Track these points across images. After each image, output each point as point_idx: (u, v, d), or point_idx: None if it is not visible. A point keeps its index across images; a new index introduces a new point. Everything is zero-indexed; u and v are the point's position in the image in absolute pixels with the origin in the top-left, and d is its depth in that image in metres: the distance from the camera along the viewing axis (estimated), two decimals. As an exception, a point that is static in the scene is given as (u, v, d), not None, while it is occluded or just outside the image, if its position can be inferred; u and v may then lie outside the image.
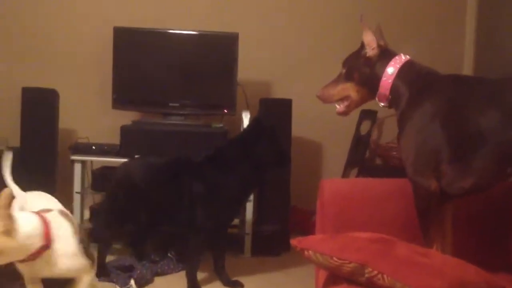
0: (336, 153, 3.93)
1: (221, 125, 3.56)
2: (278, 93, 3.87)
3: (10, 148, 2.64)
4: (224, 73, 3.54)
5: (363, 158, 3.83)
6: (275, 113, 3.36)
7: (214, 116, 3.71)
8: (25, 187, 2.22)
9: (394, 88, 1.75)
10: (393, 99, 1.77)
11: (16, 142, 3.45)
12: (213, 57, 3.58)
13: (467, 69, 3.97)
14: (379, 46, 1.79)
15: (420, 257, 1.51)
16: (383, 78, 1.75)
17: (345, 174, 3.72)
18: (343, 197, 1.94)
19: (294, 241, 1.66)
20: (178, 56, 3.59)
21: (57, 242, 1.80)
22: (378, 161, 4.01)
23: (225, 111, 3.55)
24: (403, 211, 1.87)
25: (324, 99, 1.88)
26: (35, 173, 3.23)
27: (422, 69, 1.77)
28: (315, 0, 4.01)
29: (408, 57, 1.80)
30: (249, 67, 3.72)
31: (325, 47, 3.95)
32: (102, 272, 2.67)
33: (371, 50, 1.79)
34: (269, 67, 3.96)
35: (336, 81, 1.87)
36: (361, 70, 1.81)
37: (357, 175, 3.69)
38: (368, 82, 1.81)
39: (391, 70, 1.74)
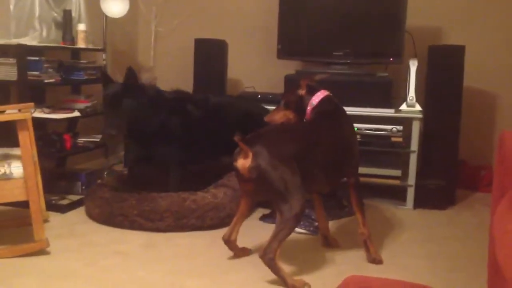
0: (513, 105, 3.61)
1: (385, 74, 3.45)
2: (450, 39, 3.62)
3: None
4: (391, 20, 3.38)
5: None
6: (445, 61, 3.18)
7: (379, 66, 3.60)
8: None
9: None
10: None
11: (189, 88, 3.70)
12: (380, 3, 3.43)
13: None
14: (307, 86, 2.41)
15: None
16: (308, 108, 2.39)
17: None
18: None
19: None
20: (343, 4, 3.50)
21: None
22: None
23: (391, 59, 3.42)
24: None
25: (271, 122, 2.43)
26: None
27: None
28: None
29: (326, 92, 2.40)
30: (418, 12, 3.53)
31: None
32: None
33: (302, 90, 2.42)
34: (441, 11, 3.69)
35: (278, 109, 2.47)
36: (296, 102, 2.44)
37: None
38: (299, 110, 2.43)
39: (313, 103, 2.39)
